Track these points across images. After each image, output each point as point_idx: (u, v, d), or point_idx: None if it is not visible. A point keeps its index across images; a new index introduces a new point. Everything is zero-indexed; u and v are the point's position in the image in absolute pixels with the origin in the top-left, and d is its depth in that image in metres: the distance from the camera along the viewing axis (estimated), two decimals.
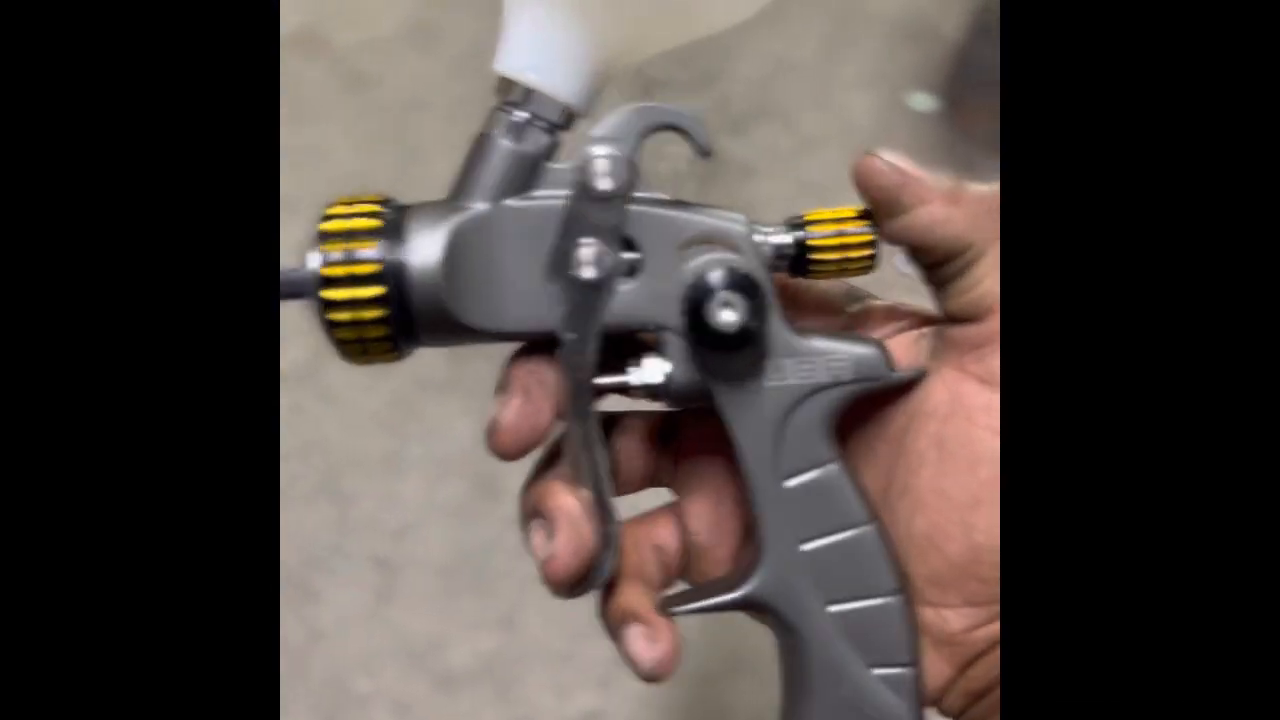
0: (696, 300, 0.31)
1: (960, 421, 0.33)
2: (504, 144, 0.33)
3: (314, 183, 1.27)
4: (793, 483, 0.34)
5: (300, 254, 0.33)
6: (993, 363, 0.33)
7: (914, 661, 0.34)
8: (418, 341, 0.34)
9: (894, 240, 0.34)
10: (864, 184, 0.33)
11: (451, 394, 1.11)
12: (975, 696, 0.35)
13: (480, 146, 0.33)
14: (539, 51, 0.32)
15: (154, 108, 0.27)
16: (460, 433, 1.09)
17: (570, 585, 0.34)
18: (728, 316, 0.31)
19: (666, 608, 0.35)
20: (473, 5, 1.56)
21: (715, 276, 0.31)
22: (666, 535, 0.37)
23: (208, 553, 0.27)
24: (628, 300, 0.33)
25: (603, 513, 0.34)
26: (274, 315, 0.29)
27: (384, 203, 0.33)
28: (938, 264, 0.34)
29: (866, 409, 0.36)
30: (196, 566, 0.26)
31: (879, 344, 0.34)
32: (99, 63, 0.27)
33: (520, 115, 0.33)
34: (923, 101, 1.55)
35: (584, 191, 0.32)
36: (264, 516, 0.27)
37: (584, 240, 0.32)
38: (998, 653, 0.34)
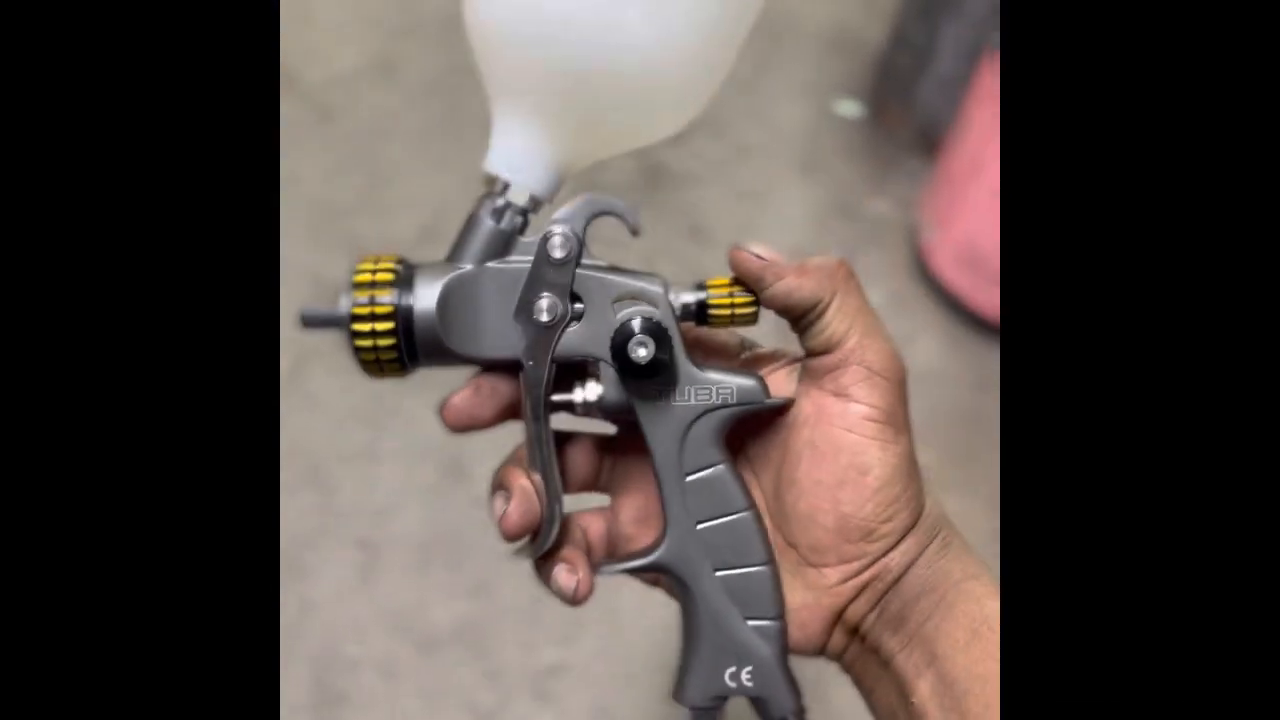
0: (620, 341, 0.41)
1: (824, 426, 0.42)
2: (487, 222, 0.43)
3: (291, 205, 1.37)
4: (691, 478, 0.43)
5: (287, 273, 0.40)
6: (843, 380, 0.42)
7: (779, 615, 0.44)
8: (419, 363, 0.43)
9: (766, 305, 0.43)
10: (736, 269, 0.43)
11: (422, 391, 1.20)
12: (851, 633, 0.44)
13: (470, 223, 0.44)
14: (516, 156, 0.43)
15: (164, 140, 0.31)
16: (431, 424, 1.18)
17: (515, 538, 0.44)
18: (642, 353, 0.41)
19: (596, 567, 0.45)
20: (428, 41, 1.65)
21: (635, 324, 0.41)
22: (598, 524, 0.47)
23: (209, 538, 0.30)
24: (574, 338, 0.43)
25: (550, 493, 0.44)
26: (274, 328, 0.35)
27: (400, 262, 0.43)
28: (798, 318, 0.43)
29: (759, 426, 0.45)
30: (204, 551, 0.30)
31: (758, 377, 0.44)
32: (116, 105, 0.30)
33: (500, 201, 0.43)
34: (849, 108, 1.65)
35: (544, 258, 0.42)
36: (263, 506, 0.32)
37: (543, 294, 0.42)
38: (864, 596, 0.43)
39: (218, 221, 0.31)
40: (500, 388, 0.45)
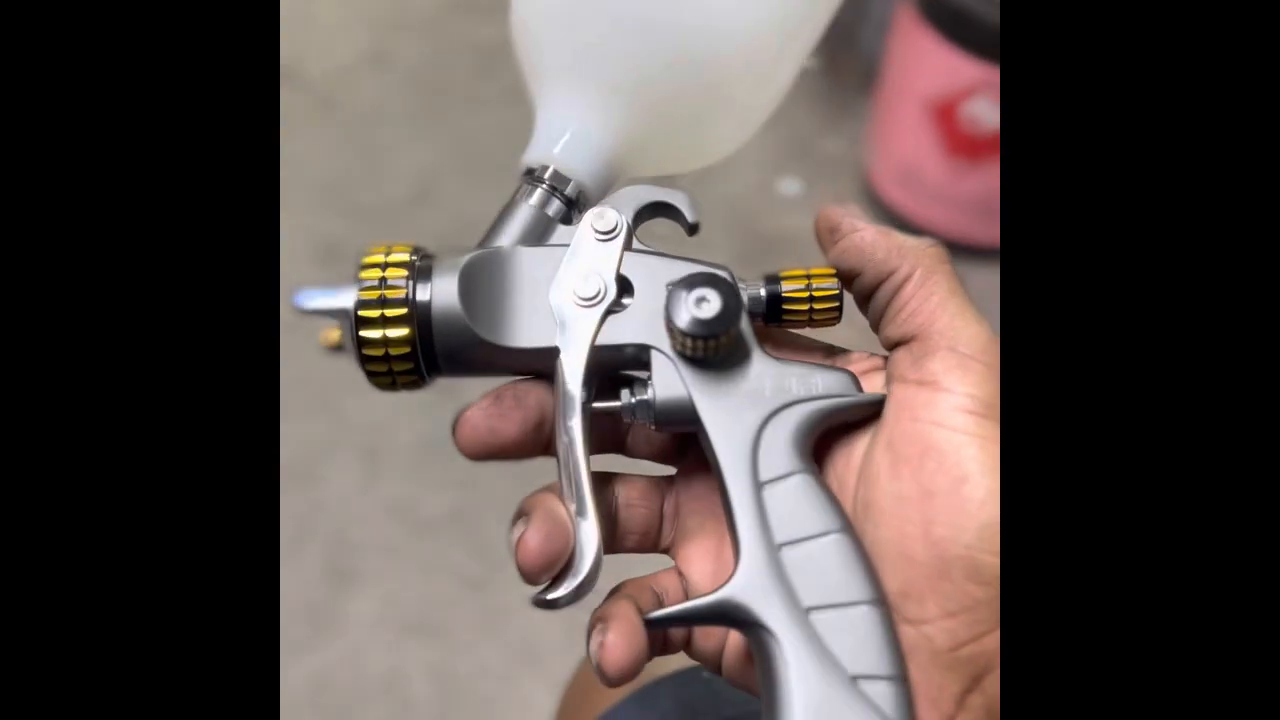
0: (677, 303, 0.34)
1: (905, 422, 0.34)
2: (524, 205, 0.37)
3: (294, 181, 1.53)
4: (767, 491, 0.34)
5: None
6: (930, 365, 0.34)
7: (900, 676, 0.32)
8: (439, 366, 0.37)
9: (837, 263, 0.37)
10: (818, 223, 0.37)
11: None
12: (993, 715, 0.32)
13: (505, 210, 0.38)
14: (562, 137, 0.38)
15: (175, 131, 0.30)
16: None
17: (536, 570, 0.34)
18: (707, 307, 0.34)
19: (647, 621, 0.35)
20: (415, 34, 1.81)
21: (693, 276, 0.35)
22: (668, 582, 0.37)
23: (218, 451, 0.30)
24: (620, 324, 0.36)
25: (586, 523, 0.35)
26: (274, 272, 0.32)
27: (417, 250, 0.37)
28: (871, 290, 0.36)
29: (832, 442, 0.36)
30: (216, 463, 0.30)
31: (850, 373, 0.36)
32: (122, 99, 0.30)
33: (541, 187, 0.38)
34: (792, 186, 1.73)
35: (587, 233, 0.36)
36: (268, 424, 0.31)
37: (583, 271, 0.36)
38: (996, 672, 0.32)
39: (225, 189, 0.31)
40: (529, 398, 0.36)
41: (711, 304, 0.34)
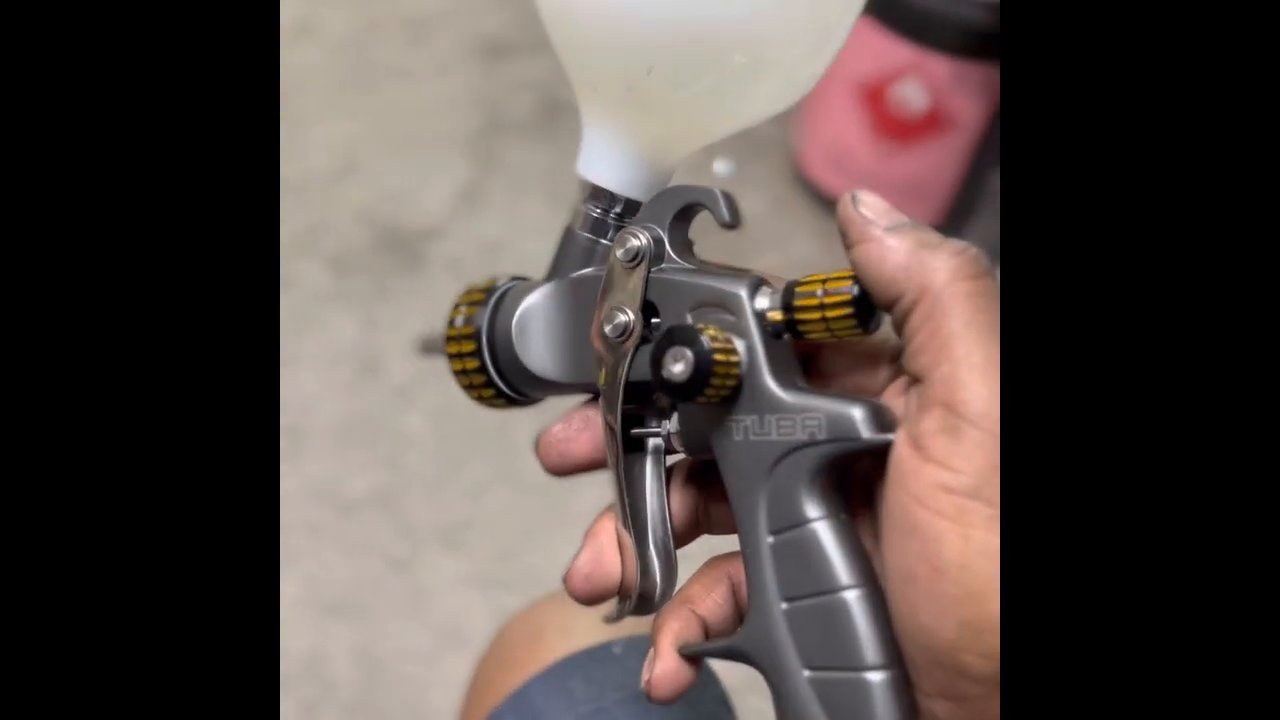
0: (656, 357, 0.33)
1: (895, 490, 0.30)
2: (581, 235, 0.38)
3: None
4: (776, 539, 0.33)
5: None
6: (923, 423, 0.30)
7: None
8: (520, 390, 0.39)
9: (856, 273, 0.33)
10: (837, 219, 0.33)
11: (337, 303, 1.33)
12: None
13: (566, 237, 0.38)
14: (603, 154, 0.37)
15: (173, 90, 0.30)
16: (346, 330, 1.31)
17: (582, 598, 0.36)
18: (676, 370, 0.32)
19: (682, 646, 0.35)
20: (346, 2, 1.78)
21: (673, 332, 0.32)
22: (719, 597, 0.36)
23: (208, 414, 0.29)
24: (648, 358, 0.34)
25: (642, 546, 0.36)
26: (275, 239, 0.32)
27: (512, 279, 0.40)
28: (885, 310, 0.32)
29: (880, 478, 0.32)
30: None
31: (870, 403, 0.32)
32: (119, 66, 0.29)
33: (595, 211, 0.37)
34: (723, 168, 1.69)
35: (615, 263, 0.36)
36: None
37: (612, 305, 0.36)
38: None
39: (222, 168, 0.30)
40: (598, 419, 0.38)
41: (682, 366, 0.32)
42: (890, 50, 1.30)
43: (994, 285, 0.31)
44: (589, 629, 0.54)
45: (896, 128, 1.37)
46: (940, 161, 1.37)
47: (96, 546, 0.28)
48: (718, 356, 0.32)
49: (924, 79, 1.30)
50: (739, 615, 0.36)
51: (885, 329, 0.34)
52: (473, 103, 1.58)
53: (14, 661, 0.27)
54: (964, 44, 1.25)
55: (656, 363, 0.32)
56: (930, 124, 1.34)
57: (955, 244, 0.31)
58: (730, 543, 0.35)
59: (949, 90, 1.30)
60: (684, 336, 0.32)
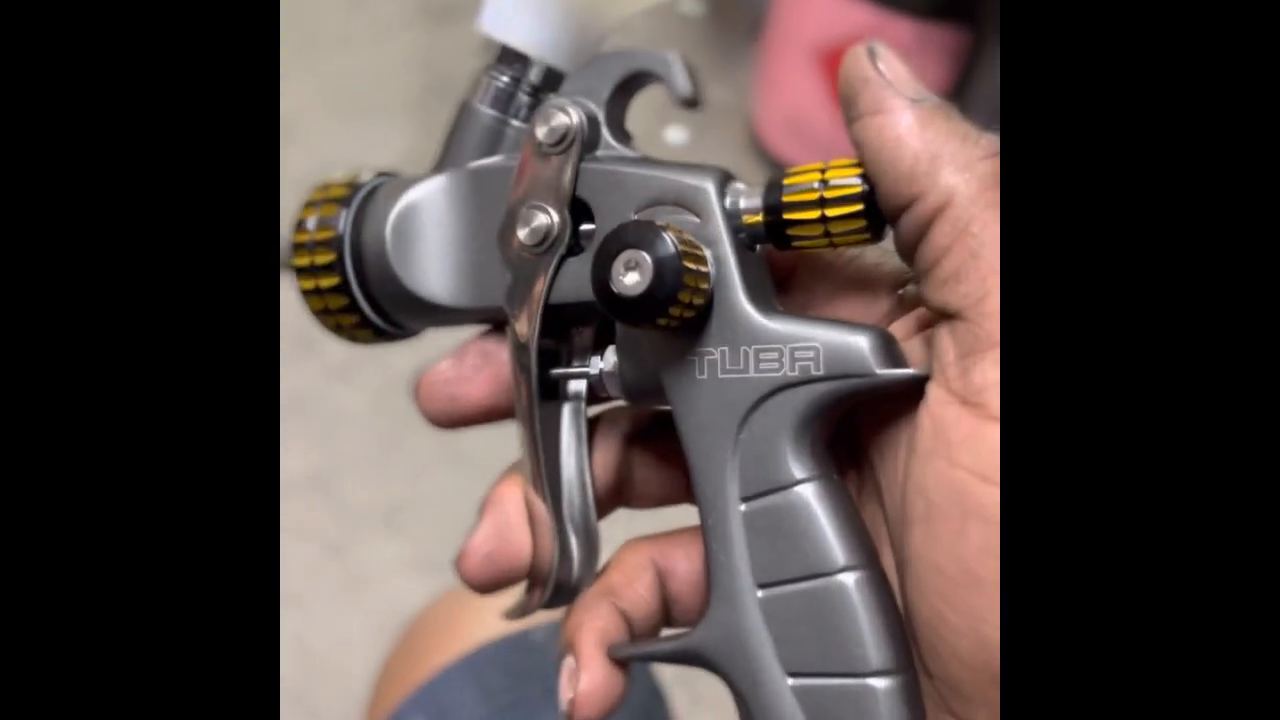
0: (601, 264, 0.25)
1: (940, 463, 0.24)
2: (484, 111, 0.29)
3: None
4: (750, 507, 0.26)
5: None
6: (977, 374, 0.23)
7: None
8: (392, 317, 0.30)
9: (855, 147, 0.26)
10: (839, 83, 0.26)
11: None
12: None
13: (462, 116, 0.30)
14: (525, 11, 0.29)
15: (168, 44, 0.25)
16: (281, 305, 1.25)
17: (477, 582, 0.29)
18: (629, 280, 0.24)
19: (612, 649, 0.28)
20: None
21: (626, 230, 0.25)
22: (679, 558, 0.29)
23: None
24: (578, 274, 0.27)
25: (559, 520, 0.29)
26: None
27: (378, 175, 0.31)
28: (894, 215, 0.25)
29: (885, 423, 0.27)
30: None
31: (878, 332, 0.25)
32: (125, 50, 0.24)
33: (503, 80, 0.29)
34: (690, 6, 1.73)
35: (533, 148, 0.28)
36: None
37: (529, 203, 0.28)
38: None
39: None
40: (501, 354, 0.30)
41: (638, 276, 0.24)
42: (849, 13, 1.26)
43: None
44: (501, 619, 0.48)
45: None
46: None
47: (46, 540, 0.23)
48: (687, 263, 0.25)
49: (885, 43, 1.26)
50: (665, 612, 0.29)
51: (878, 248, 0.27)
52: (415, 67, 1.52)
53: None
54: (927, 6, 1.22)
55: (601, 272, 0.25)
56: None
57: (991, 140, 0.24)
58: (649, 523, 0.29)
59: (911, 54, 1.25)
60: (640, 236, 0.25)
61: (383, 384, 1.19)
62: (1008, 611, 0.22)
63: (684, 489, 0.31)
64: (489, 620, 0.49)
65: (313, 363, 1.21)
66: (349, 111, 1.47)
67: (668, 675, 0.50)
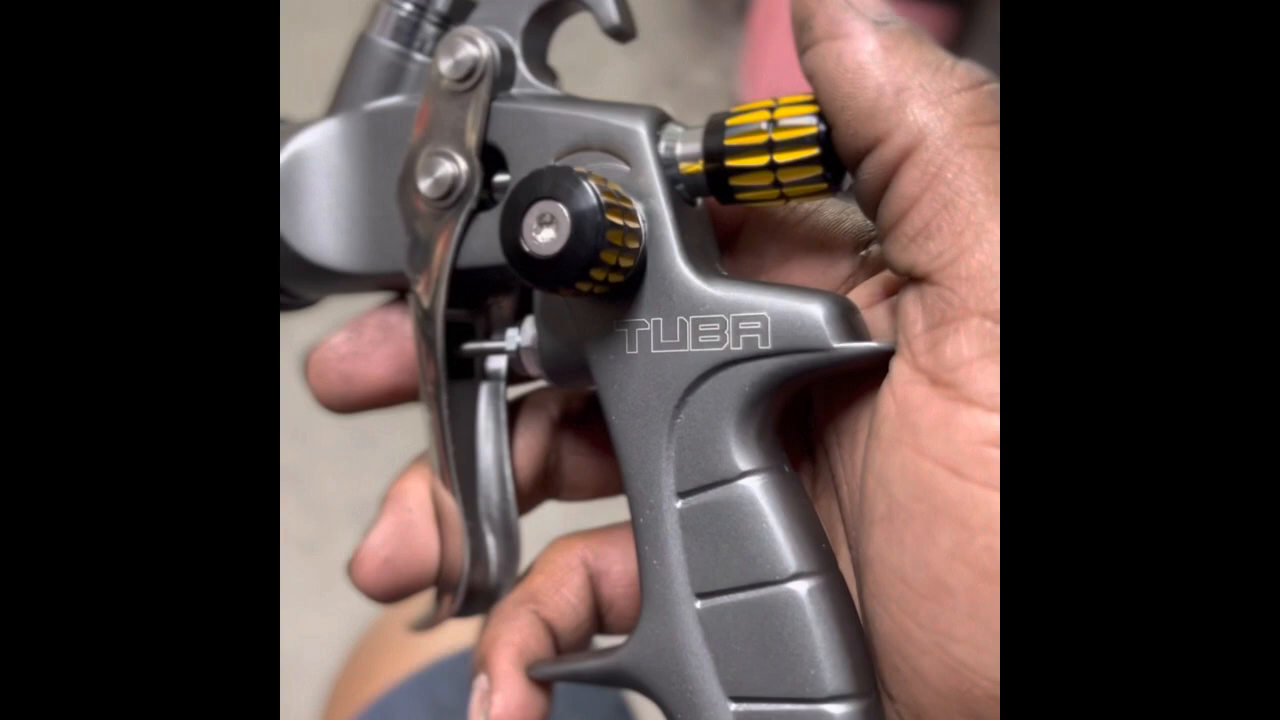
0: (510, 218, 0.22)
1: (905, 452, 0.21)
2: (382, 44, 0.26)
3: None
4: (687, 503, 0.23)
5: None
6: (949, 347, 0.20)
7: None
8: (281, 282, 0.28)
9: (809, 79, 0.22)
10: (792, 6, 0.22)
11: None
12: None
13: (358, 50, 0.26)
14: None
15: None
16: None
17: (378, 592, 0.26)
18: (541, 237, 0.21)
19: (531, 667, 0.25)
20: None
21: (533, 183, 0.22)
22: (614, 557, 0.26)
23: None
24: (490, 232, 0.24)
25: (473, 517, 0.26)
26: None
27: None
28: (854, 159, 0.22)
29: (844, 403, 0.23)
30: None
31: (835, 299, 0.22)
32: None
33: (405, 8, 0.26)
34: None
35: (435, 85, 0.24)
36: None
37: (433, 149, 0.24)
38: None
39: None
40: (403, 326, 0.27)
41: (553, 233, 0.21)
42: None
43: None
44: (459, 629, 0.45)
45: None
46: None
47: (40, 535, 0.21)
48: (611, 217, 0.21)
49: None
50: (597, 620, 0.26)
51: (838, 202, 0.24)
52: None
53: None
54: None
55: (510, 229, 0.21)
56: None
57: (969, 69, 0.21)
58: (585, 516, 0.25)
59: None
60: (556, 185, 0.21)
61: None
62: (1008, 649, 0.19)
63: (620, 480, 0.27)
64: (441, 636, 0.45)
65: (283, 356, 1.18)
66: (321, 94, 1.44)
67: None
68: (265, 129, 0.23)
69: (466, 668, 0.44)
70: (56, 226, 0.21)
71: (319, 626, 1.02)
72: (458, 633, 0.40)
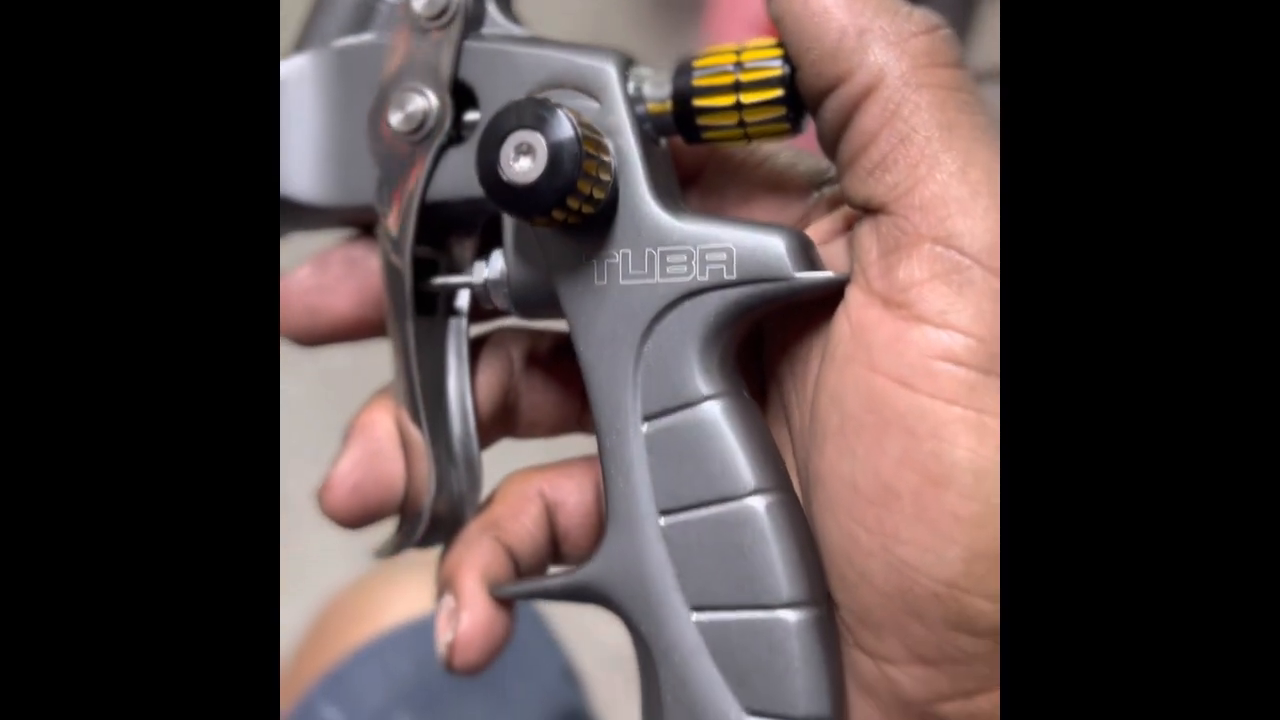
0: (488, 147, 0.22)
1: (858, 369, 0.22)
2: None
3: None
4: (653, 426, 0.24)
5: None
6: (901, 271, 0.22)
7: (825, 717, 0.23)
8: None
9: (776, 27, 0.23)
10: None
11: None
12: None
13: None
14: None
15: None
16: None
17: (345, 517, 0.27)
18: (520, 166, 0.22)
19: (496, 587, 0.26)
20: None
21: (512, 113, 0.22)
22: (569, 489, 0.28)
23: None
24: (462, 163, 0.25)
25: (437, 447, 0.26)
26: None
27: None
28: (816, 100, 0.23)
29: (795, 338, 0.25)
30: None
31: (794, 233, 0.24)
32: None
33: None
34: None
35: (406, 22, 0.25)
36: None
37: (404, 85, 0.25)
38: None
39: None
40: (368, 260, 0.28)
41: (530, 161, 0.22)
42: None
43: (971, 83, 0.22)
44: (414, 599, 0.47)
45: None
46: None
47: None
48: (587, 148, 0.22)
49: None
50: (554, 548, 0.28)
51: (792, 149, 0.25)
52: None
53: None
54: None
55: (488, 157, 0.22)
56: None
57: (925, 15, 0.22)
58: (530, 454, 0.26)
59: None
60: (535, 116, 0.22)
61: (325, 373, 1.16)
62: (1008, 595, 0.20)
63: (575, 418, 0.29)
64: (396, 605, 0.47)
65: None
66: None
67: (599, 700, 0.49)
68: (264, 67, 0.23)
69: (417, 636, 0.45)
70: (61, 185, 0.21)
71: (285, 617, 1.03)
72: (411, 603, 0.41)
